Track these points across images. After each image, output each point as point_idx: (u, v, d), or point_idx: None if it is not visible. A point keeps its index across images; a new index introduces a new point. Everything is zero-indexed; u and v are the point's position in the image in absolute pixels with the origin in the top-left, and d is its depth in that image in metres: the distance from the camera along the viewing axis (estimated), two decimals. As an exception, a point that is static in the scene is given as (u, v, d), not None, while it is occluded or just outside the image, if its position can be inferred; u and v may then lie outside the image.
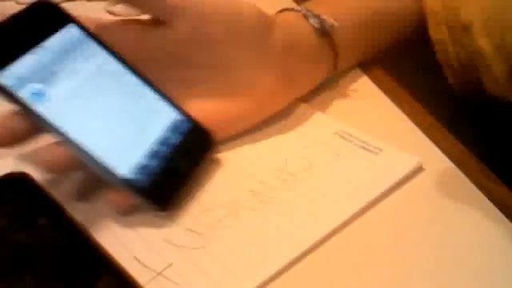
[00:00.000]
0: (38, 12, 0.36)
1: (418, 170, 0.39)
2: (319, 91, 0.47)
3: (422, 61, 0.60)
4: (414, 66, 0.58)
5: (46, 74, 0.35)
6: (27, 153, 0.41)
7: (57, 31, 0.36)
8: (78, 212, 0.36)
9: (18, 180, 0.37)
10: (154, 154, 0.36)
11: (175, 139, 0.37)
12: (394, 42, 0.52)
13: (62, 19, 0.36)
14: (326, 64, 0.46)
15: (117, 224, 0.36)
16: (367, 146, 0.41)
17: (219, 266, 0.33)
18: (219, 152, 0.40)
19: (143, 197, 0.35)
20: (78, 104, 0.35)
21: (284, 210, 0.36)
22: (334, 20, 0.45)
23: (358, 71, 0.50)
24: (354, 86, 0.49)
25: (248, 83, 0.41)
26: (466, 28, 0.45)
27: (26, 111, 0.34)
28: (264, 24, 0.41)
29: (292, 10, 0.45)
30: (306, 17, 0.44)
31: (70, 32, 0.36)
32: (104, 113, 0.36)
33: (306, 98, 0.46)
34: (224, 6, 0.40)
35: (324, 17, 0.44)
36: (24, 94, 0.34)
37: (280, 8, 0.46)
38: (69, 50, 0.36)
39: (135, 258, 0.33)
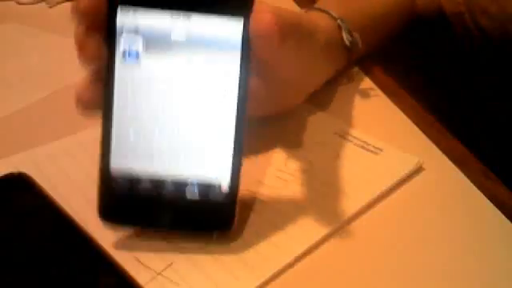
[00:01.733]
0: None
1: (418, 169, 0.39)
2: (319, 91, 0.47)
3: (422, 61, 0.60)
4: (413, 66, 0.58)
5: (160, 42, 0.31)
6: (27, 153, 0.42)
7: (223, 15, 0.31)
8: (77, 212, 0.36)
9: (18, 180, 0.37)
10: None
11: None
12: (388, 38, 0.53)
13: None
14: (338, 66, 0.47)
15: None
16: (367, 145, 0.41)
17: (219, 266, 0.33)
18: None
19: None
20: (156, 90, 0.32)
21: (284, 210, 0.36)
22: (342, 16, 0.46)
23: (358, 71, 0.50)
24: (354, 86, 0.49)
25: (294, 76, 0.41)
26: None
27: (109, 58, 0.31)
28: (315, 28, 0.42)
29: (328, 13, 0.46)
30: (339, 28, 0.46)
31: (232, 24, 0.31)
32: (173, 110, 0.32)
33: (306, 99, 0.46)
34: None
35: (355, 34, 0.46)
36: (122, 47, 0.31)
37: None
38: (210, 41, 0.31)
39: (135, 257, 0.33)
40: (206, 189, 0.32)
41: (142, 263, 0.33)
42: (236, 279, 0.32)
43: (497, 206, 0.36)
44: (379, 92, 0.48)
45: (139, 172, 0.32)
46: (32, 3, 0.69)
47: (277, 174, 0.39)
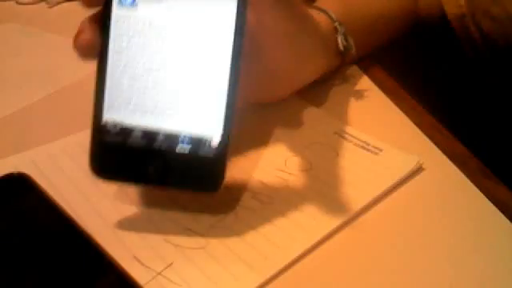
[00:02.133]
0: None
1: (418, 169, 0.39)
2: (319, 91, 0.47)
3: (422, 61, 0.60)
4: (413, 66, 0.58)
5: None
6: (27, 153, 0.42)
7: None
8: (77, 212, 0.36)
9: (18, 180, 0.37)
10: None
11: None
12: (389, 40, 0.53)
13: None
14: (330, 66, 0.47)
15: (117, 224, 0.36)
16: (367, 145, 0.41)
17: (219, 266, 0.33)
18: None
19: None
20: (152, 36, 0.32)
21: (284, 210, 0.36)
22: (341, 16, 0.46)
23: (357, 71, 0.50)
24: (354, 85, 0.49)
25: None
26: None
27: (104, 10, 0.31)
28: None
29: (326, 13, 0.46)
30: (336, 30, 0.46)
31: None
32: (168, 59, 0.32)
33: (306, 98, 0.46)
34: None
35: (350, 40, 0.46)
36: None
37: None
38: None
39: (135, 257, 0.33)
40: (197, 143, 0.32)
41: (141, 263, 0.33)
42: (236, 279, 0.32)
43: (497, 206, 0.36)
44: (379, 92, 0.48)
45: (132, 123, 0.32)
46: (32, 3, 0.69)
47: (277, 174, 0.39)
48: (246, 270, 0.32)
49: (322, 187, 0.38)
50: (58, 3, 0.68)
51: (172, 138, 0.32)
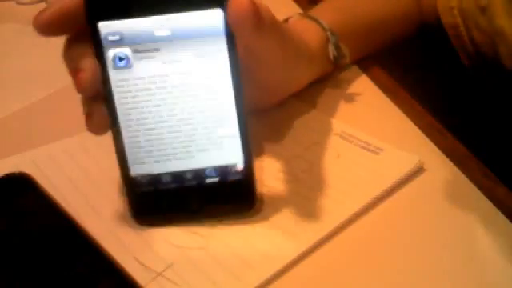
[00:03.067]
0: None
1: (419, 169, 0.39)
2: (319, 92, 0.47)
3: (422, 60, 0.60)
4: (414, 66, 0.58)
5: (147, 45, 0.32)
6: (27, 153, 0.42)
7: (201, 9, 0.31)
8: (77, 212, 0.36)
9: (19, 180, 0.37)
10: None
11: None
12: (392, 43, 0.53)
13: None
14: (320, 74, 0.47)
15: (117, 224, 0.36)
16: (368, 145, 0.41)
17: (219, 266, 0.33)
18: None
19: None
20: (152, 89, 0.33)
21: (284, 210, 0.36)
22: (337, 23, 0.46)
23: (357, 71, 0.50)
24: (354, 86, 0.49)
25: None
26: (484, 9, 0.47)
27: (101, 70, 0.32)
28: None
29: (318, 23, 0.46)
30: (328, 40, 0.46)
31: (212, 15, 0.31)
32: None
33: (306, 99, 0.46)
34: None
35: (344, 48, 0.46)
36: (111, 53, 0.32)
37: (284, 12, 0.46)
38: (194, 35, 0.32)
39: (135, 258, 0.33)
40: (224, 172, 0.34)
41: (142, 263, 0.33)
42: (236, 279, 0.32)
43: (496, 206, 0.36)
44: (379, 92, 0.48)
45: (159, 171, 0.34)
46: (32, 3, 0.68)
47: (277, 174, 0.39)
48: (246, 270, 0.32)
49: (322, 187, 0.38)
50: (58, 3, 0.68)
51: (200, 174, 0.34)
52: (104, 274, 0.31)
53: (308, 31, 0.45)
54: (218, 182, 0.34)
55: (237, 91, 0.33)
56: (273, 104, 0.44)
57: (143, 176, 0.34)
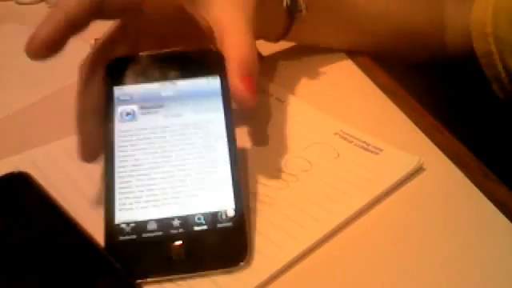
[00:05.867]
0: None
1: (418, 169, 0.39)
2: (319, 91, 0.47)
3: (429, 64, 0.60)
4: (414, 66, 0.58)
5: (153, 103, 0.35)
6: (27, 153, 0.42)
7: (202, 76, 0.37)
8: (77, 212, 0.36)
9: (18, 180, 0.37)
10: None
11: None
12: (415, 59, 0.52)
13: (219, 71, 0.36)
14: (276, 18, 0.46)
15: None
16: (367, 145, 0.41)
17: (219, 266, 0.33)
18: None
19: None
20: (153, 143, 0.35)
21: (284, 211, 0.36)
22: None
23: (358, 71, 0.50)
24: (354, 85, 0.49)
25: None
26: None
27: (107, 122, 0.35)
28: None
29: None
30: None
31: (212, 80, 0.37)
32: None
33: (305, 99, 0.46)
34: None
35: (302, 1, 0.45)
36: (120, 109, 0.35)
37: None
38: (195, 96, 0.36)
39: (135, 258, 0.33)
40: (213, 218, 0.33)
41: (141, 263, 0.33)
42: (236, 279, 0.32)
43: (497, 206, 0.36)
44: (379, 92, 0.48)
45: (145, 218, 0.33)
46: (32, 3, 0.69)
47: (277, 174, 0.39)
48: (246, 270, 0.32)
49: (322, 187, 0.38)
50: (58, 3, 0.68)
51: (188, 221, 0.32)
52: (104, 274, 0.31)
53: None
54: (207, 229, 0.32)
55: (231, 139, 0.35)
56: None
57: (128, 223, 0.32)
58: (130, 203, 0.33)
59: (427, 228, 0.35)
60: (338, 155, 0.40)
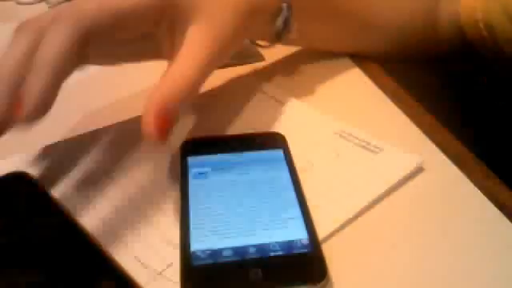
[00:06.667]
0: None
1: (419, 169, 0.39)
2: (319, 91, 0.47)
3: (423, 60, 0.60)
4: (413, 66, 0.58)
5: (223, 165, 0.38)
6: (27, 153, 0.42)
7: (267, 149, 0.40)
8: (78, 212, 0.36)
9: (18, 180, 0.37)
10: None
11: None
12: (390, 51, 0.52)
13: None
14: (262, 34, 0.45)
15: (117, 224, 0.36)
16: (367, 145, 0.41)
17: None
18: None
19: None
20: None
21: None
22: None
23: (358, 71, 0.50)
24: (354, 86, 0.49)
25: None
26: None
27: (182, 180, 0.37)
28: None
29: None
30: (280, 9, 0.43)
31: (275, 152, 0.40)
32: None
33: (305, 99, 0.46)
34: None
35: (294, 25, 0.44)
36: (194, 170, 0.38)
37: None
38: (261, 161, 0.39)
39: (135, 257, 0.33)
40: (289, 245, 0.33)
41: (142, 263, 0.33)
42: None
43: (497, 206, 0.36)
44: (379, 92, 0.48)
45: (220, 246, 0.33)
46: (32, 3, 0.69)
47: (277, 174, 0.39)
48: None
49: (322, 187, 0.38)
50: (59, 3, 0.68)
51: (263, 248, 0.33)
52: (104, 274, 0.31)
53: None
54: (283, 255, 0.33)
55: (297, 187, 0.37)
56: None
57: (203, 251, 0.33)
58: (205, 235, 0.33)
59: (427, 228, 0.35)
60: (338, 155, 0.40)
